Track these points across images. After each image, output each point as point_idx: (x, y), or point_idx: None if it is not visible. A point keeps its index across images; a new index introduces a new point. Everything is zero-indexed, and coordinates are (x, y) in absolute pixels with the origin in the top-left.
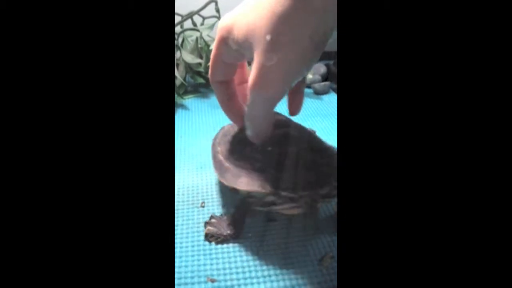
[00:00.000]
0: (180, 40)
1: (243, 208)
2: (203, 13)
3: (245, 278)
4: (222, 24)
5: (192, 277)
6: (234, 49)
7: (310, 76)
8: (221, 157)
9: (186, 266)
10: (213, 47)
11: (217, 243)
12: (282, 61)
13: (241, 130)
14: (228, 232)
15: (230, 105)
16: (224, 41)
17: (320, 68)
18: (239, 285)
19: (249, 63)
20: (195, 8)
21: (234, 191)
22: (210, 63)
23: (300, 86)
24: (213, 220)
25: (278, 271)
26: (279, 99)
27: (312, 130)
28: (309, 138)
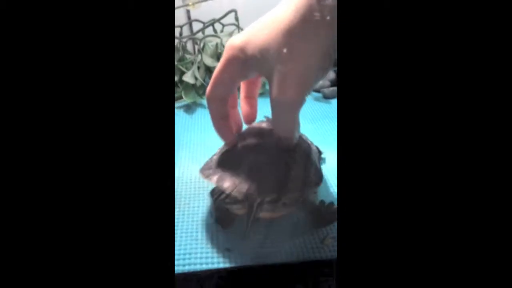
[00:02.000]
0: (201, 45)
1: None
2: (223, 21)
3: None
4: (233, 43)
5: (212, 248)
6: (245, 67)
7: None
8: (213, 157)
9: (207, 239)
10: (219, 64)
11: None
12: (298, 70)
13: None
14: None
15: (223, 124)
16: (235, 58)
17: (329, 73)
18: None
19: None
20: (217, 16)
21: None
22: (212, 79)
23: (252, 91)
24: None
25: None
26: (300, 104)
27: (316, 149)
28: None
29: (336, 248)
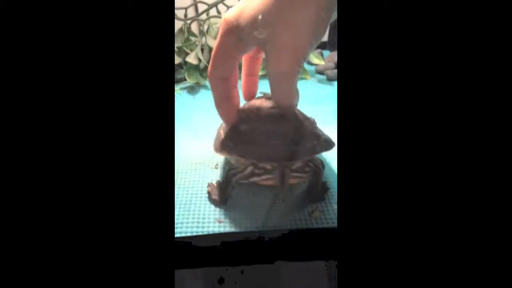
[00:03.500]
0: (205, 26)
1: (227, 180)
2: (227, 2)
3: (246, 219)
4: (227, 16)
5: (203, 218)
6: (240, 39)
7: (323, 63)
8: (221, 130)
9: (199, 211)
10: (215, 42)
11: (210, 203)
12: (294, 36)
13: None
14: (214, 198)
15: (225, 104)
16: (231, 32)
17: (334, 56)
18: (240, 225)
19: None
20: None
21: (218, 167)
22: (211, 59)
23: (253, 68)
24: (213, 184)
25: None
26: (297, 72)
27: (312, 119)
28: (294, 117)
29: (323, 221)
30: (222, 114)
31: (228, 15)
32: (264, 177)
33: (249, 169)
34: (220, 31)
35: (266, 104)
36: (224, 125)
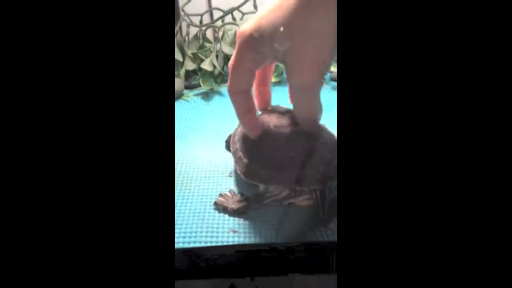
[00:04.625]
0: (220, 33)
1: (259, 200)
2: (242, 9)
3: (260, 230)
4: (245, 30)
5: (217, 227)
6: (259, 52)
7: (335, 70)
8: (240, 153)
9: (213, 220)
10: (233, 55)
11: (220, 212)
12: (316, 47)
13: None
14: (234, 207)
15: (249, 117)
16: (249, 44)
17: None
18: (255, 236)
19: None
20: (235, 4)
21: (253, 185)
22: (230, 73)
23: (265, 78)
24: (227, 194)
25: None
26: (320, 84)
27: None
28: (320, 134)
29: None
30: (246, 127)
31: (245, 27)
32: (301, 198)
33: (285, 192)
34: (237, 44)
35: (285, 121)
36: (238, 132)
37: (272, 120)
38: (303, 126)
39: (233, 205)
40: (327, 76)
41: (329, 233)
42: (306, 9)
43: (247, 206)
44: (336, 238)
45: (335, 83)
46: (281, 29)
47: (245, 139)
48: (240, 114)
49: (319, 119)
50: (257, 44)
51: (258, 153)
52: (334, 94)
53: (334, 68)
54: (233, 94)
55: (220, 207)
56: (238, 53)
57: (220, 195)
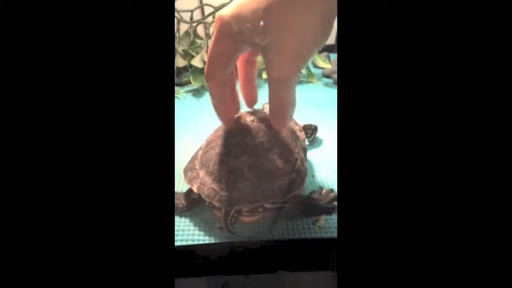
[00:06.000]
0: (211, 29)
1: (196, 199)
2: None
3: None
4: (223, 15)
5: (204, 226)
6: (237, 40)
7: (330, 66)
8: (197, 154)
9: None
10: (211, 41)
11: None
12: (297, 43)
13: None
14: (183, 203)
15: (222, 105)
16: (225, 32)
17: None
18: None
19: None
20: (226, 0)
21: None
22: (207, 58)
23: (250, 73)
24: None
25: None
26: (296, 79)
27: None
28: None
29: (326, 229)
30: (219, 114)
31: (224, 13)
32: (214, 209)
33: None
34: (215, 29)
35: (253, 124)
36: (209, 140)
37: (245, 121)
38: (272, 122)
39: (183, 202)
40: (319, 72)
41: (317, 229)
42: (288, 2)
43: (189, 205)
44: (325, 236)
45: (328, 80)
46: (261, 23)
47: (216, 143)
48: (214, 101)
49: (292, 116)
50: (234, 31)
51: (205, 155)
52: (326, 91)
53: (326, 65)
54: (209, 79)
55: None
56: (216, 40)
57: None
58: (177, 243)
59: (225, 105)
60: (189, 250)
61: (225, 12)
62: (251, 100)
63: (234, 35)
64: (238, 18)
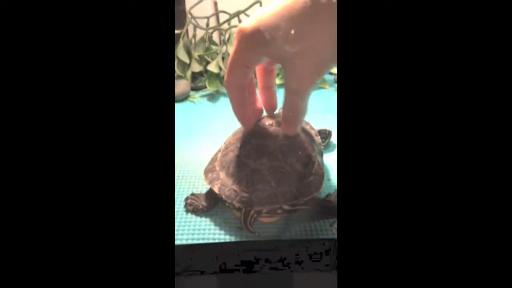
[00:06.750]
0: (226, 36)
1: (216, 199)
2: (248, 12)
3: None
4: (246, 27)
5: (225, 226)
6: (259, 51)
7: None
8: (218, 155)
9: (220, 219)
10: (232, 50)
11: (192, 212)
12: (314, 53)
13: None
14: (203, 204)
15: (242, 110)
16: (249, 43)
17: None
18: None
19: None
20: (241, 8)
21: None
22: (227, 66)
23: (269, 81)
24: (193, 196)
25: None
26: (312, 90)
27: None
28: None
29: None
30: (239, 119)
31: (247, 25)
32: (234, 210)
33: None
34: (237, 41)
35: (272, 128)
36: (229, 141)
37: (264, 126)
38: (284, 127)
39: (202, 203)
40: (331, 78)
41: (334, 231)
42: (314, 14)
43: (211, 202)
44: (336, 236)
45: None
46: (292, 32)
47: (235, 145)
48: (234, 106)
49: (302, 122)
50: (258, 43)
51: (225, 157)
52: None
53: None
54: (229, 86)
55: (191, 207)
56: (237, 49)
57: (192, 194)
58: (198, 241)
59: (244, 109)
60: (203, 249)
61: (246, 24)
62: (271, 107)
63: (265, 43)
64: (270, 26)
